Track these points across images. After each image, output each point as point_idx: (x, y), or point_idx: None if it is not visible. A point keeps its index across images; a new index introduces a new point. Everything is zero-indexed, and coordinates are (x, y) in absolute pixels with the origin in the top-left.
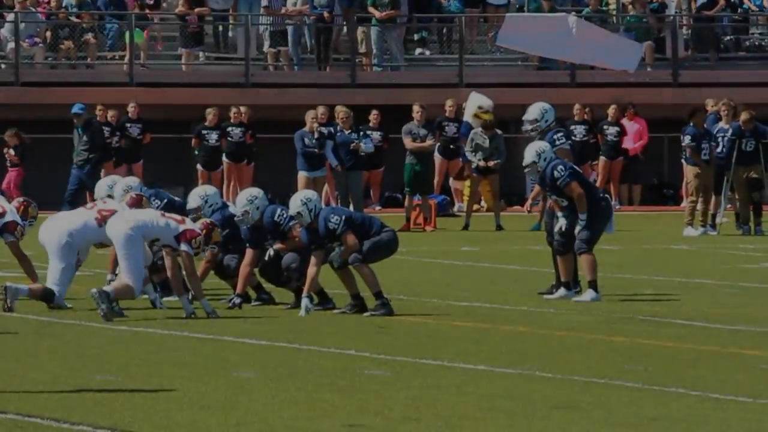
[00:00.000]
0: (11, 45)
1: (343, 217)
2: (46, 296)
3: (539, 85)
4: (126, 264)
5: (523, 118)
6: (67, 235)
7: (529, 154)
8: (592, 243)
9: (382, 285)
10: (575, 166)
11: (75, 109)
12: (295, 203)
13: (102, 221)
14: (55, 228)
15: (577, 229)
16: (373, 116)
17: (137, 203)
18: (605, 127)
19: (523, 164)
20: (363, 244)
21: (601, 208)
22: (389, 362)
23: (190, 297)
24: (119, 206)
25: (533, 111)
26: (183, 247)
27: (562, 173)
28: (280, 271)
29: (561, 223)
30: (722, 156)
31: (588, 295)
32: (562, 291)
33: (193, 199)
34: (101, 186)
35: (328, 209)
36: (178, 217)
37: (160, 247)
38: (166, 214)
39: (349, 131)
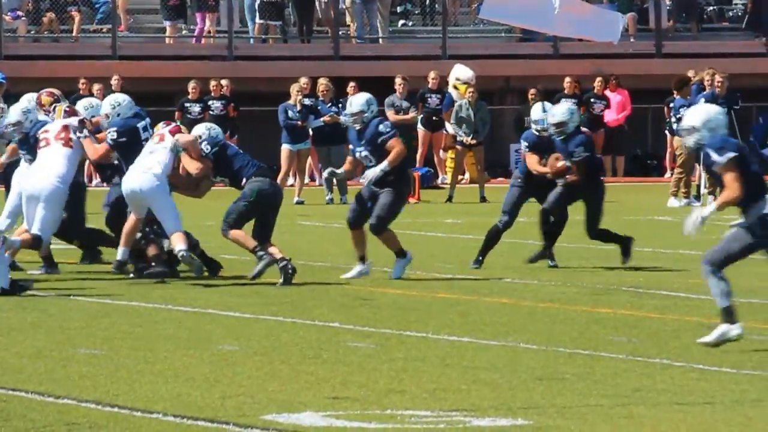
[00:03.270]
0: None
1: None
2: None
3: (522, 57)
4: (164, 215)
5: (550, 122)
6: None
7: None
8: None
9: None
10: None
11: None
12: (359, 101)
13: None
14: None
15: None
16: (351, 88)
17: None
18: (591, 99)
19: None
20: (380, 208)
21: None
22: (373, 334)
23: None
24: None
25: (560, 113)
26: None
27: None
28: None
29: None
30: None
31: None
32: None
33: (91, 107)
34: None
35: (378, 119)
36: (155, 138)
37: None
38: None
39: (329, 104)
